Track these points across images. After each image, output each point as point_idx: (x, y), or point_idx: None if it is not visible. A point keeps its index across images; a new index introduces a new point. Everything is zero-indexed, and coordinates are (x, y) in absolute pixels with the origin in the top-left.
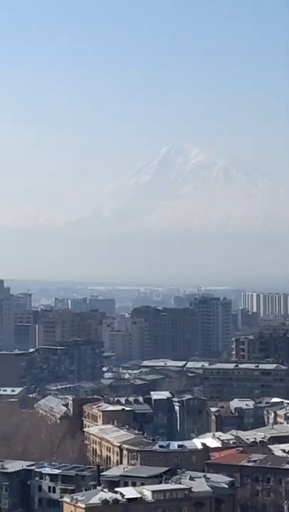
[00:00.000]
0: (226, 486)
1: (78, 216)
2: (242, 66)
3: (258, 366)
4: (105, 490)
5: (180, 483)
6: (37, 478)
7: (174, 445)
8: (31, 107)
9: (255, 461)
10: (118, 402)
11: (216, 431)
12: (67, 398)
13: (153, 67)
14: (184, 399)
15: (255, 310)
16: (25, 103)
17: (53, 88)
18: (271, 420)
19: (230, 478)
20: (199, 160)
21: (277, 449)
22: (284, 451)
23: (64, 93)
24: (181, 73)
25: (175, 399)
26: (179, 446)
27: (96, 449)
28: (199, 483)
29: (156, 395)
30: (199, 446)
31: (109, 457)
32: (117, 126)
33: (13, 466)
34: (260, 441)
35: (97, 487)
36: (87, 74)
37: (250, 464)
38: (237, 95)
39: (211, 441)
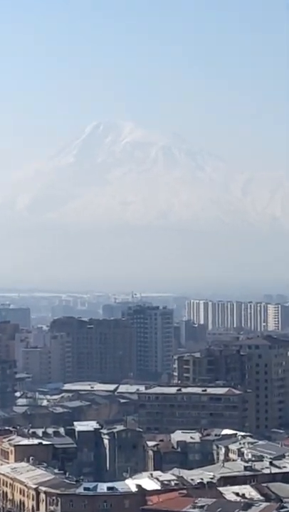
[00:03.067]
0: None
1: None
2: (186, 32)
3: (205, 390)
4: None
5: None
6: None
7: (103, 487)
8: None
9: (202, 506)
10: (34, 435)
11: (154, 470)
12: None
13: (78, 33)
14: (114, 431)
15: (202, 322)
16: None
17: None
18: (221, 457)
19: None
20: (134, 138)
21: (228, 492)
22: (237, 494)
23: None
24: (115, 39)
25: (104, 430)
26: (108, 488)
27: (7, 492)
28: None
29: (80, 426)
30: (134, 489)
31: (23, 502)
32: (35, 98)
33: None
34: (208, 483)
35: None
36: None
37: (196, 511)
38: (181, 64)
39: (148, 483)
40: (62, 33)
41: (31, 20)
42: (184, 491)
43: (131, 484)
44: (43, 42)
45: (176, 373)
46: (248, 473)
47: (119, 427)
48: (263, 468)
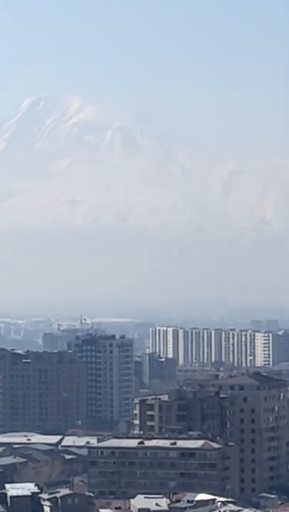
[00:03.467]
0: None
1: None
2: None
3: (175, 444)
4: None
5: None
6: None
7: None
8: None
9: None
10: None
11: None
12: None
13: None
14: (58, 495)
15: (171, 355)
16: None
17: None
18: None
19: None
20: (84, 117)
21: None
22: None
23: None
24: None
25: (44, 495)
26: None
27: None
28: None
29: (14, 490)
30: None
31: None
32: None
33: None
34: None
35: None
36: None
37: None
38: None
39: None
40: None
41: None
42: None
43: None
44: None
45: (137, 421)
46: None
47: (64, 491)
48: None
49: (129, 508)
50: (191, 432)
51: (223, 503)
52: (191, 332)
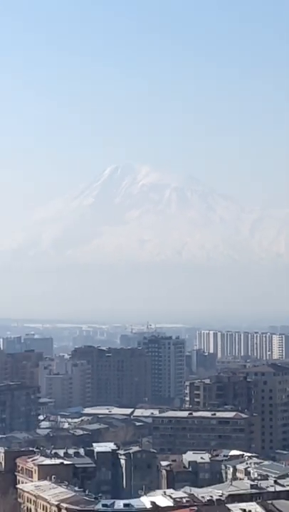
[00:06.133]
0: None
1: (13, 245)
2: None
3: (214, 414)
4: None
5: None
6: None
7: (120, 504)
8: None
9: None
10: (56, 455)
11: (167, 488)
12: None
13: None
14: (130, 451)
15: (212, 350)
16: None
17: None
18: (230, 476)
19: None
20: (149, 180)
21: (236, 509)
22: (244, 510)
23: None
24: (131, 85)
25: (121, 451)
26: (125, 505)
27: (31, 509)
28: None
29: (99, 447)
30: (148, 506)
31: None
32: (56, 143)
33: None
34: (217, 500)
35: None
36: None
37: None
38: (193, 110)
39: (162, 500)
40: (81, 82)
41: (51, 69)
42: (195, 508)
43: (146, 501)
44: (64, 91)
45: (187, 398)
46: (254, 491)
47: (135, 448)
48: (267, 487)
49: (181, 461)
50: (226, 406)
51: (249, 457)
52: (226, 334)
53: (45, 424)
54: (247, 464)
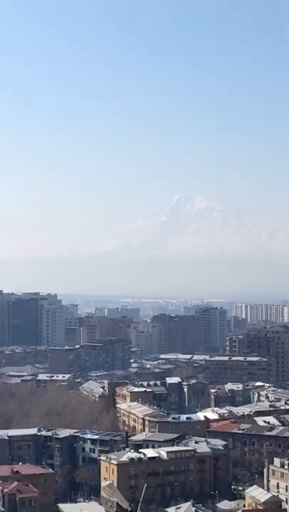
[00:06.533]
0: (222, 448)
1: (110, 247)
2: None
3: (246, 359)
4: (132, 451)
5: (187, 446)
6: (81, 442)
7: (183, 417)
8: (66, 153)
9: (243, 429)
10: (142, 385)
11: (215, 407)
12: (103, 382)
13: (167, 130)
14: (190, 383)
15: (243, 317)
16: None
17: (74, 131)
18: (255, 399)
19: (225, 442)
20: (202, 205)
21: (260, 420)
22: (265, 421)
23: (86, 136)
24: (193, 136)
25: (184, 383)
26: (187, 418)
27: (125, 420)
28: (202, 446)
29: (170, 380)
30: (202, 418)
31: (135, 426)
32: (137, 177)
33: (63, 433)
34: (247, 415)
35: (126, 449)
36: (111, 123)
37: (240, 432)
38: (228, 153)
39: (211, 415)
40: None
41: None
42: (233, 420)
43: (200, 415)
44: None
45: (228, 348)
46: (271, 408)
47: (193, 381)
48: (281, 406)
49: (224, 389)
50: (253, 353)
51: (268, 387)
52: (254, 305)
53: (134, 365)
54: (267, 391)
